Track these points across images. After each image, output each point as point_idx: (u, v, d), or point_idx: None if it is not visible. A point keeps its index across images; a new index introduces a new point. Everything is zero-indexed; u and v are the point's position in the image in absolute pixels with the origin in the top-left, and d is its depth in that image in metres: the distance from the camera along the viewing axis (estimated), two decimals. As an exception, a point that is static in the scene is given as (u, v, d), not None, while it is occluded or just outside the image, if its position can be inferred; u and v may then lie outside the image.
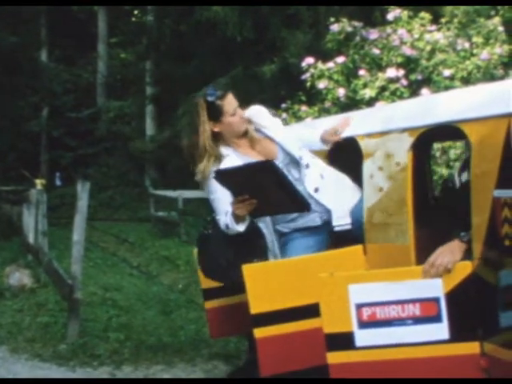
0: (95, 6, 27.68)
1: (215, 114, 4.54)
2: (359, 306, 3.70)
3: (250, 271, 4.30)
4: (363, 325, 3.70)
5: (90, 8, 28.03)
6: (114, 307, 8.57)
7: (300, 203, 4.31)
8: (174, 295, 9.51)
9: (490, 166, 3.39)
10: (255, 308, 4.28)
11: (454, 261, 3.56)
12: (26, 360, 6.67)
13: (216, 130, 4.57)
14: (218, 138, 4.59)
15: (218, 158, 4.54)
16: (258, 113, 4.83)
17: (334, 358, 3.79)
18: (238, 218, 4.34)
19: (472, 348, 3.56)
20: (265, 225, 4.64)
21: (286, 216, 4.62)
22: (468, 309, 3.57)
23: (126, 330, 7.45)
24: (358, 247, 4.44)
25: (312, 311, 4.29)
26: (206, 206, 16.21)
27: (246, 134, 4.67)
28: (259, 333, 4.31)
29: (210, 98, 4.53)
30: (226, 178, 4.17)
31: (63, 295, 7.99)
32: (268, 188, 4.15)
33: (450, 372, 3.62)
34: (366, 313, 3.69)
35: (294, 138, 4.77)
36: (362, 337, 3.71)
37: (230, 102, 4.58)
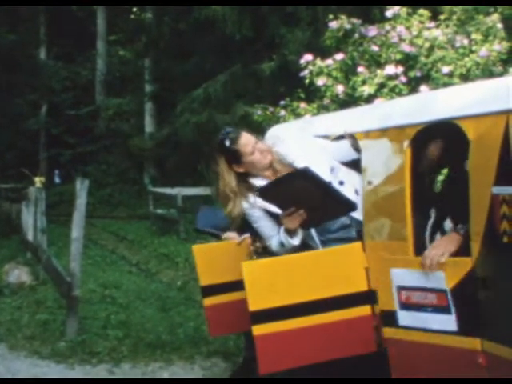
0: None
1: (234, 158, 4.58)
2: (400, 289, 3.88)
3: (249, 268, 4.30)
4: (403, 306, 3.89)
5: (88, 6, 28.01)
6: (113, 305, 8.57)
7: (345, 204, 4.36)
8: (173, 293, 9.51)
9: (489, 162, 3.38)
10: (254, 305, 4.28)
11: (448, 252, 3.66)
12: (25, 357, 6.67)
13: (241, 170, 4.62)
14: (246, 174, 4.64)
15: (250, 189, 4.60)
16: (279, 140, 4.81)
17: (388, 333, 4.05)
18: (290, 232, 4.43)
19: (473, 344, 3.57)
20: (309, 237, 4.69)
21: (326, 227, 4.65)
22: (467, 305, 3.58)
23: (125, 327, 7.45)
24: (357, 244, 4.44)
25: (311, 308, 4.30)
26: (205, 204, 16.24)
27: (271, 163, 4.69)
28: (258, 330, 4.30)
29: (225, 144, 4.56)
30: (269, 193, 4.26)
31: (62, 292, 7.98)
32: (312, 196, 4.22)
33: (454, 365, 3.71)
34: (405, 295, 3.87)
35: (323, 160, 4.72)
36: (403, 317, 3.91)
37: (245, 142, 4.58)
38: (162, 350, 6.68)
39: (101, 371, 6.24)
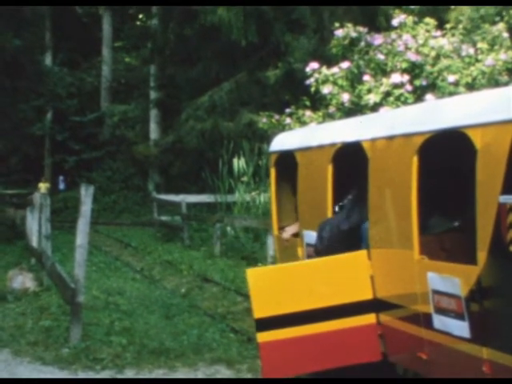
0: (100, 10, 27.77)
1: None
2: (434, 292, 3.87)
3: (254, 275, 4.30)
4: (437, 310, 3.87)
5: (94, 12, 28.07)
6: (117, 311, 8.54)
7: None
8: (177, 300, 9.48)
9: (496, 171, 3.37)
10: (259, 312, 4.27)
11: None
12: (29, 363, 6.65)
13: None
14: None
15: None
16: None
17: (429, 335, 4.03)
18: None
19: (479, 351, 3.57)
20: None
21: None
22: (475, 313, 3.58)
23: (129, 334, 7.43)
24: (363, 252, 4.43)
25: (316, 316, 4.29)
26: (209, 211, 16.20)
27: None
28: (262, 337, 4.30)
29: None
30: None
31: (66, 299, 7.96)
32: None
33: (464, 371, 3.75)
34: (437, 299, 3.86)
35: None
36: (437, 320, 3.89)
37: None
38: (166, 356, 6.65)
39: (104, 378, 6.22)
